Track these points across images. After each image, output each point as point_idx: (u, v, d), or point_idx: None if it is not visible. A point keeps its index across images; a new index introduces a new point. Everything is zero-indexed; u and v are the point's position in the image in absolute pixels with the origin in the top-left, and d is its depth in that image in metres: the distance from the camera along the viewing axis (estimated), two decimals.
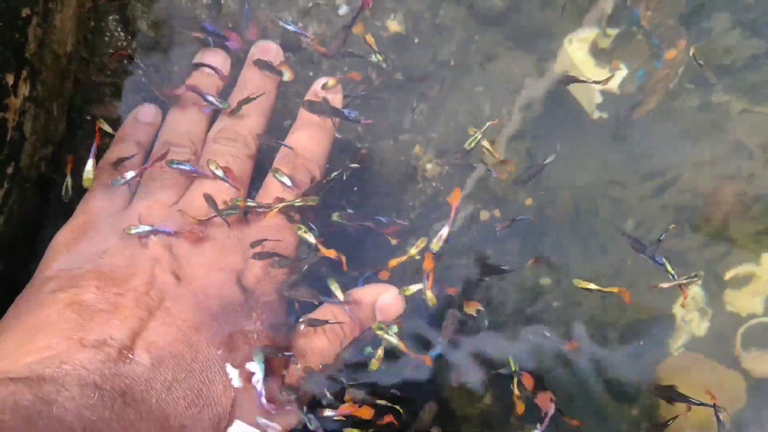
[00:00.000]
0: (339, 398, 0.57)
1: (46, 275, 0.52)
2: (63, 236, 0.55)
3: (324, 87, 0.62)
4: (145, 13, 0.65)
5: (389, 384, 0.57)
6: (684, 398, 0.57)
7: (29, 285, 0.53)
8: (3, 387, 0.40)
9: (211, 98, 0.60)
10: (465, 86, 0.73)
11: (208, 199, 0.55)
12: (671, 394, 0.58)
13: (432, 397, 0.61)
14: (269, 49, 0.63)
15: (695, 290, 0.71)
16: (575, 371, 0.66)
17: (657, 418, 0.68)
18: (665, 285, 0.59)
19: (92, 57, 0.64)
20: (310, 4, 0.68)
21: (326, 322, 0.55)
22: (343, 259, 0.56)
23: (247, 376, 0.51)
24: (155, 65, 0.65)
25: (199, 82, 0.62)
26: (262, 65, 0.62)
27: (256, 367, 0.51)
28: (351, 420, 0.54)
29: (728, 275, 0.71)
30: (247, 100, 0.60)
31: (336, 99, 0.63)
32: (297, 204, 0.57)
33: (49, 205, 0.62)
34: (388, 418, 0.54)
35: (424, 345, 0.61)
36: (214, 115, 0.63)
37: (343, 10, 0.69)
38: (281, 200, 0.57)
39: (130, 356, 0.46)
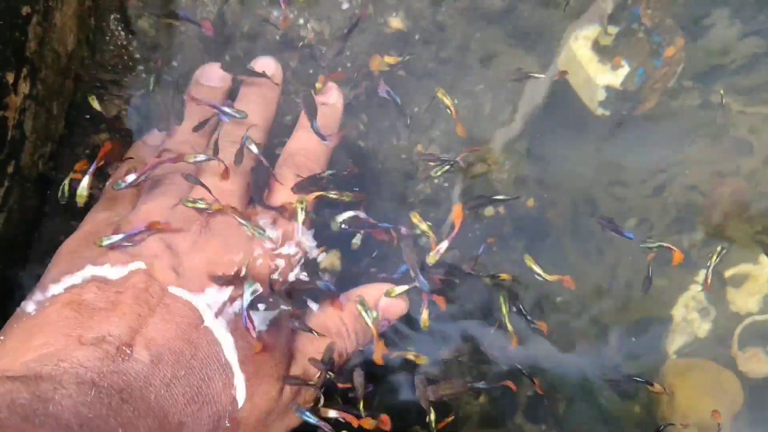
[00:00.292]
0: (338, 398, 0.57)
1: (50, 279, 0.53)
2: (68, 245, 0.55)
3: (315, 92, 0.63)
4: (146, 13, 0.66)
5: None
6: None
7: (34, 289, 0.53)
8: (0, 385, 0.41)
9: (227, 110, 0.59)
10: (466, 84, 0.73)
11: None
12: None
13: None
14: (269, 65, 0.64)
15: (695, 290, 0.71)
16: (575, 371, 0.66)
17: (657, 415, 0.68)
18: (650, 245, 0.60)
19: (93, 56, 0.65)
20: None
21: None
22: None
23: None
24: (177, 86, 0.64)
25: (202, 95, 0.62)
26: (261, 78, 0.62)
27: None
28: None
29: (728, 274, 0.71)
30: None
31: (337, 100, 0.63)
32: (332, 196, 0.58)
33: (47, 204, 0.62)
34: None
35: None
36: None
37: (345, 5, 0.69)
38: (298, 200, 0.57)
39: (129, 353, 0.46)
